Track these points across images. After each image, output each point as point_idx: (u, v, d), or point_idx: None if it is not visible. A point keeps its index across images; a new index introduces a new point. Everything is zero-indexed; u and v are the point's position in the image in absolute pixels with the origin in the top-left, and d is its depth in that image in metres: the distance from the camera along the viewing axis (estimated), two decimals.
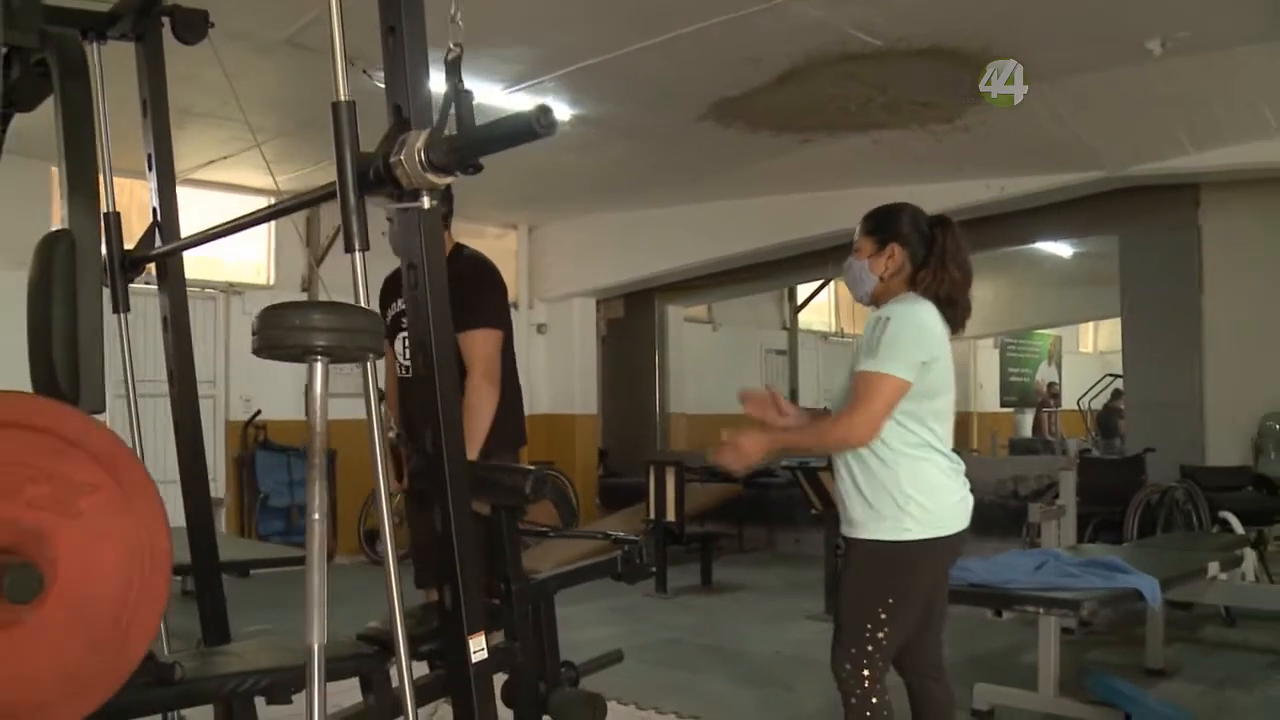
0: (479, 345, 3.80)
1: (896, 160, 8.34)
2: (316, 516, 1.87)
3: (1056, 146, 7.75)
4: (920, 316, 3.02)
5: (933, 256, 3.10)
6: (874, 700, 3.00)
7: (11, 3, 2.11)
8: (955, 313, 3.13)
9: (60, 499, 1.61)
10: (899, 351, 2.94)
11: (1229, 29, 5.96)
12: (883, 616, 2.99)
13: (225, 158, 8.53)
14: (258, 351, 1.83)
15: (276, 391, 9.85)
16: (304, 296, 10.20)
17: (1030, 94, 6.74)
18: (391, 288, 3.93)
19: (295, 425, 10.14)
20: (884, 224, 3.19)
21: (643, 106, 7.43)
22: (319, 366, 1.85)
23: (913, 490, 2.99)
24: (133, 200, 6.29)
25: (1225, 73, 6.53)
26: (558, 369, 12.27)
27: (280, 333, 1.79)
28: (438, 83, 2.07)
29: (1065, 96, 6.89)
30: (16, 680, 1.54)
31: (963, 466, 3.14)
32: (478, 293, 3.85)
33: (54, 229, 2.17)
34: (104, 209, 2.77)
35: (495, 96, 6.83)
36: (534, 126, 1.72)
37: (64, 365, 2.04)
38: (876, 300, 3.19)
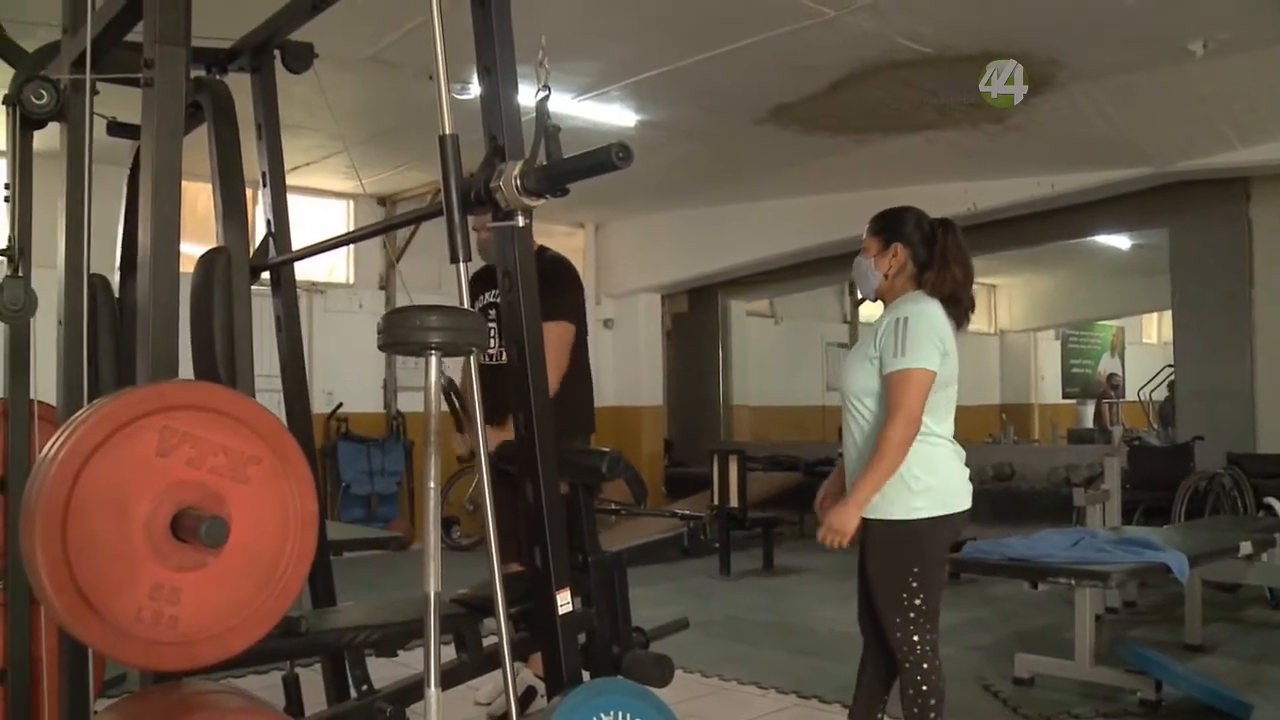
0: (551, 336, 4.20)
1: (950, 158, 8.59)
2: (432, 485, 2.26)
3: (1104, 144, 7.96)
4: (933, 312, 3.28)
5: (936, 256, 3.34)
6: (925, 665, 3.24)
7: None
8: (959, 310, 3.35)
9: (233, 467, 1.99)
10: (924, 344, 3.19)
11: (1269, 28, 6.13)
12: (914, 585, 3.24)
13: (308, 164, 9.01)
14: (383, 347, 2.22)
15: (357, 385, 10.35)
16: (382, 295, 10.69)
17: (1076, 94, 7.01)
18: (477, 283, 4.35)
19: (374, 417, 10.62)
20: (888, 225, 3.44)
21: (704, 112, 7.78)
22: (434, 359, 2.22)
23: (921, 472, 3.22)
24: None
25: (1269, 70, 6.67)
26: (624, 362, 12.59)
27: (404, 331, 2.17)
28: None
29: (1110, 96, 7.11)
30: (205, 611, 1.92)
31: (964, 452, 3.37)
32: (554, 291, 4.25)
33: (213, 246, 2.59)
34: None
35: (565, 105, 7.22)
36: (614, 160, 2.09)
37: (224, 357, 2.45)
38: (881, 296, 3.45)
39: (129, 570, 1.83)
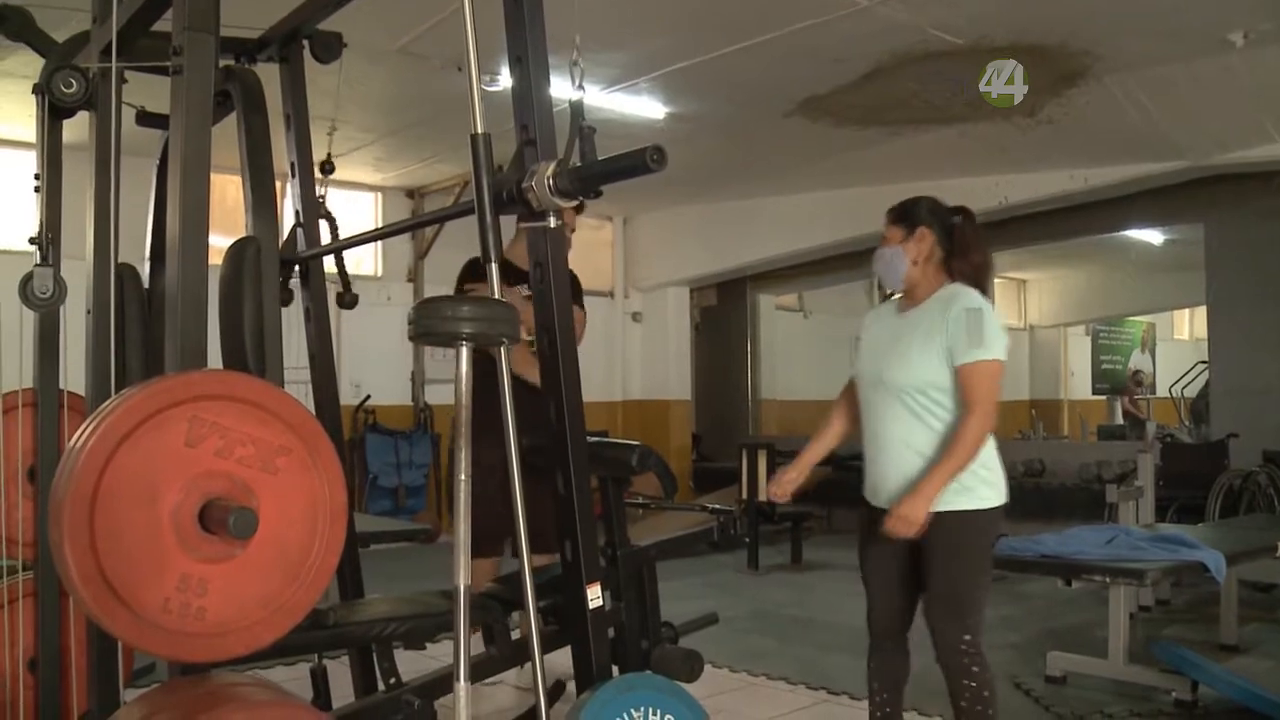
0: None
1: (982, 152, 8.52)
2: (463, 477, 2.24)
3: (1139, 137, 7.87)
4: (990, 304, 3.26)
5: (956, 244, 3.31)
6: (984, 660, 3.18)
7: None
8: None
9: (262, 458, 1.97)
10: (997, 336, 3.17)
11: None
12: (986, 577, 3.23)
13: (338, 155, 9.00)
14: (414, 338, 2.20)
15: (384, 377, 10.35)
16: (409, 288, 10.69)
17: (1111, 86, 6.93)
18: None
19: (401, 410, 10.63)
20: (908, 212, 3.37)
21: (733, 105, 7.74)
22: (465, 350, 2.20)
23: (982, 464, 3.19)
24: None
25: None
26: (652, 356, 12.57)
27: (435, 321, 2.15)
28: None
29: (1146, 88, 7.03)
30: (234, 603, 1.90)
31: None
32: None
33: (243, 235, 2.57)
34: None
35: (594, 97, 7.18)
36: (648, 163, 2.06)
37: (253, 348, 2.43)
38: (912, 285, 3.35)
39: (157, 561, 1.81)
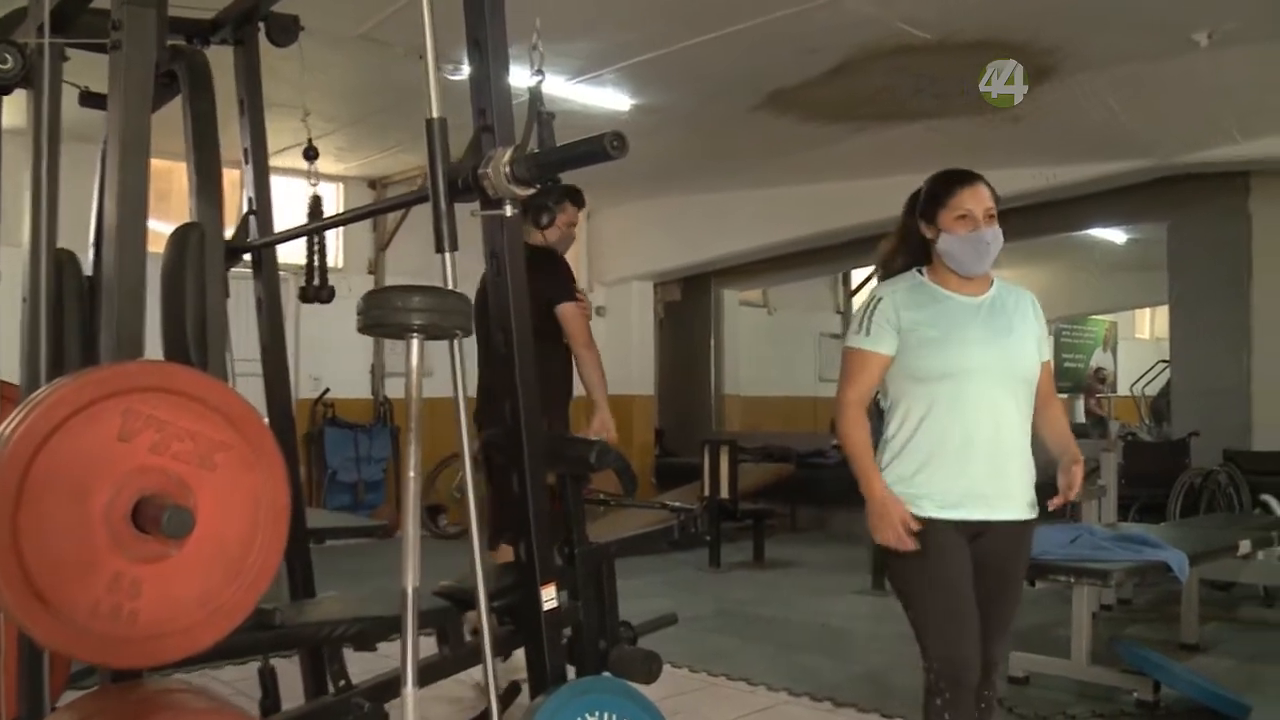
0: (577, 313, 4.83)
1: (949, 148, 8.46)
2: (412, 474, 2.16)
3: (1106, 135, 7.86)
4: None
5: None
6: None
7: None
8: None
9: (200, 453, 1.89)
10: None
11: (1276, 20, 6.04)
12: None
13: (298, 145, 8.85)
14: (364, 329, 2.12)
15: (344, 371, 10.23)
16: (371, 279, 10.56)
17: (1078, 84, 6.92)
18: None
19: (361, 403, 10.51)
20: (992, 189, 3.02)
21: (700, 97, 7.66)
22: (416, 343, 2.12)
23: None
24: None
25: (1274, 62, 6.58)
26: (616, 351, 12.44)
27: (385, 312, 2.07)
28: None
29: (1113, 86, 7.01)
30: (169, 604, 1.82)
31: None
32: (565, 277, 4.84)
33: (186, 222, 2.48)
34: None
35: (559, 87, 7.09)
36: (608, 149, 1.99)
37: (195, 339, 2.34)
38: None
39: (86, 561, 1.73)
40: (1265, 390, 8.57)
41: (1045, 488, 2.99)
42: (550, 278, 4.65)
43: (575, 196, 4.88)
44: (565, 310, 4.66)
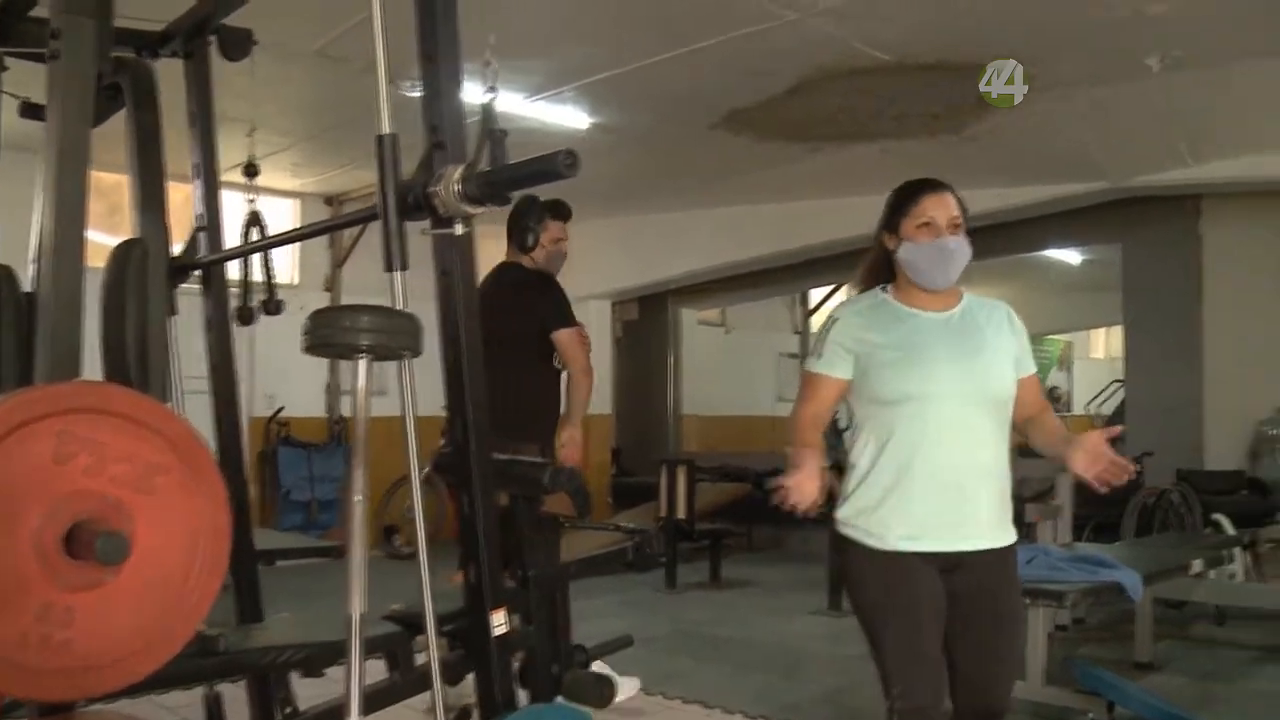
0: (575, 340, 4.93)
1: (906, 168, 8.35)
2: (358, 498, 2.11)
3: (1060, 157, 7.93)
4: None
5: None
6: None
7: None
8: None
9: (138, 477, 1.82)
10: None
11: (1226, 47, 6.11)
12: None
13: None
14: (309, 350, 2.06)
15: (298, 389, 10.11)
16: (327, 296, 10.46)
17: (1033, 107, 6.94)
18: None
19: (316, 422, 10.41)
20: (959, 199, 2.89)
21: (658, 116, 7.65)
22: (363, 364, 2.07)
23: None
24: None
25: (1223, 88, 6.68)
26: None
27: (331, 332, 2.02)
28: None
29: (1067, 109, 7.06)
30: (102, 634, 1.76)
31: None
32: (561, 300, 4.96)
33: (129, 237, 2.42)
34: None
35: (516, 105, 7.05)
36: (560, 168, 1.95)
37: (136, 358, 2.28)
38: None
39: (14, 590, 1.66)
40: (1216, 410, 8.66)
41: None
42: (546, 302, 4.67)
43: (557, 210, 4.84)
44: (562, 336, 4.68)
